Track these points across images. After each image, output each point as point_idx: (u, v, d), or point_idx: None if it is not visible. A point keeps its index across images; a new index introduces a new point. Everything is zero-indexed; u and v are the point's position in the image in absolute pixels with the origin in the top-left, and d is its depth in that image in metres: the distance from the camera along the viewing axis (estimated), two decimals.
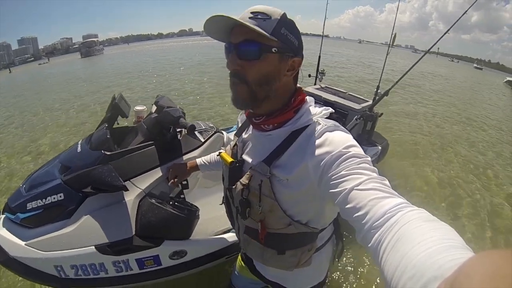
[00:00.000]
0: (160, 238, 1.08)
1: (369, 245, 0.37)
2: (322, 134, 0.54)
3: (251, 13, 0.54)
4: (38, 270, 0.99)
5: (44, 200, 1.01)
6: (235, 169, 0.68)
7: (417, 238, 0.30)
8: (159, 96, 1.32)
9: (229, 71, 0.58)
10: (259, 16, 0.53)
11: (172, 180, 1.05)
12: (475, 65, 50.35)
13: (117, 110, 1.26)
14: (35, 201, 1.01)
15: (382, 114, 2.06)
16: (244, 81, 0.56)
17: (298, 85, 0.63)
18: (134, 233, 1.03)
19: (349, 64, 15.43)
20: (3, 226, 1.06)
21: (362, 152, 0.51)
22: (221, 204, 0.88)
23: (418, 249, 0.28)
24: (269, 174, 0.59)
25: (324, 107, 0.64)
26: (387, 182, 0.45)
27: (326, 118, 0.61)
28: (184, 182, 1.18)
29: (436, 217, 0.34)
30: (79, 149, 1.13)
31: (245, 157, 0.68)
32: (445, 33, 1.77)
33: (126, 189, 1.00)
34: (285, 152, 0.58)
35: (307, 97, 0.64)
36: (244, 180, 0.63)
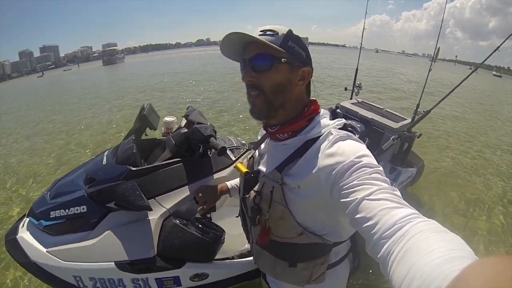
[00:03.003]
0: (182, 260, 1.05)
1: (379, 255, 0.37)
2: (334, 144, 0.55)
3: (261, 31, 0.59)
4: (57, 277, 0.99)
5: (67, 210, 1.01)
6: (250, 179, 0.70)
7: (425, 249, 0.30)
8: (190, 108, 1.27)
9: (246, 84, 0.62)
10: (267, 33, 0.58)
11: (201, 207, 0.99)
12: (494, 72, 47.79)
13: (145, 121, 1.24)
14: (59, 211, 1.01)
15: (421, 135, 1.90)
16: (261, 91, 0.60)
17: (312, 97, 0.67)
18: (156, 253, 0.99)
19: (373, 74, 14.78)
20: (27, 229, 1.08)
21: (375, 162, 0.51)
22: (237, 217, 0.87)
23: (425, 259, 0.28)
24: (281, 181, 0.60)
25: (338, 119, 0.65)
26: (398, 192, 0.45)
27: (339, 128, 0.61)
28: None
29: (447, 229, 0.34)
30: (104, 161, 1.11)
31: (260, 167, 0.70)
32: (496, 49, 1.67)
33: (150, 209, 0.97)
34: (298, 160, 0.60)
35: (322, 109, 0.67)
36: (257, 187, 0.66)
